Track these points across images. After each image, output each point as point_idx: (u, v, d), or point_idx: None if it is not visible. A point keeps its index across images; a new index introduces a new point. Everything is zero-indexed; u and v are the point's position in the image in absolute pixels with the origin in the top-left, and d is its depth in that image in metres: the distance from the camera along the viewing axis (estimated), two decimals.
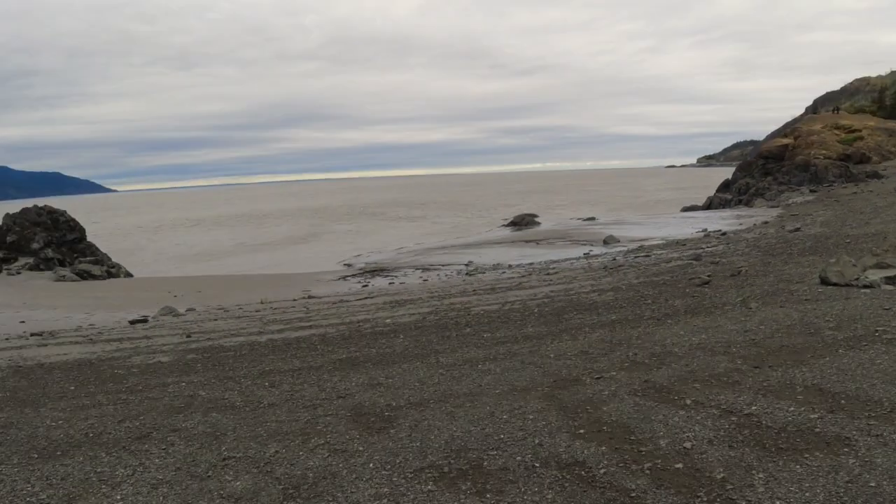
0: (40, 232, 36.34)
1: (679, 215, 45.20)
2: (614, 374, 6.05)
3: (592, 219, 47.95)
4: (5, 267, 32.48)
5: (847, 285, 9.31)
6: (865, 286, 8.97)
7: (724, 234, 27.47)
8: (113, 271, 34.87)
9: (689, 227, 34.01)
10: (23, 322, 15.78)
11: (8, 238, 35.91)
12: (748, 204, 44.52)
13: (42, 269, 33.09)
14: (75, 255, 36.49)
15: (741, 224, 32.44)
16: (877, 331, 6.64)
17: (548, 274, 17.11)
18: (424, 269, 25.41)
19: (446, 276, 21.68)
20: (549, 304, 10.81)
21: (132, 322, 14.72)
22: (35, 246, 35.25)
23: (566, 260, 23.20)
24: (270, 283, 23.89)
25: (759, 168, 48.35)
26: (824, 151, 43.46)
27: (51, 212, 37.81)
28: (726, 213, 41.19)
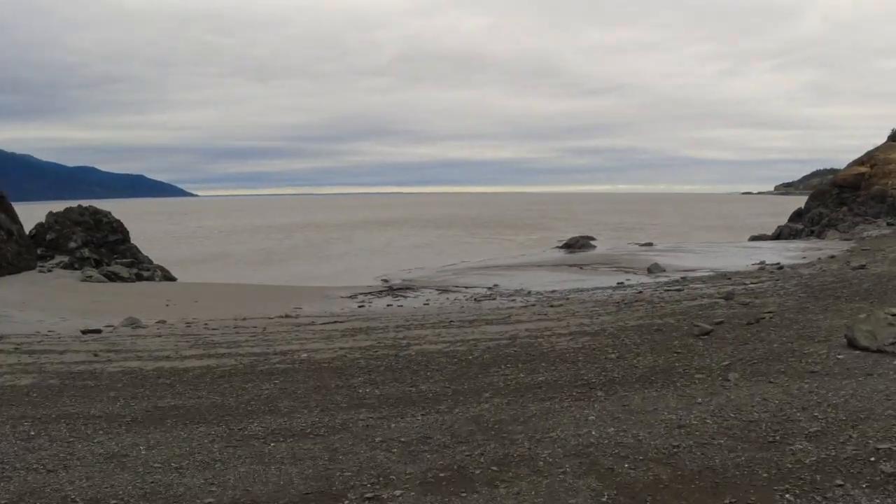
0: (79, 231, 36.30)
1: (744, 245, 42.26)
2: (404, 492, 4.23)
3: (650, 244, 45.51)
4: (39, 264, 32.42)
5: (879, 351, 7.14)
6: None
7: (780, 267, 24.85)
8: (146, 274, 34.39)
9: (748, 258, 31.27)
10: None
11: (48, 236, 36.01)
12: (819, 235, 41.15)
13: (76, 268, 32.87)
14: (115, 256, 36.34)
15: (804, 257, 29.62)
16: (884, 450, 4.35)
17: (551, 306, 15.20)
18: (443, 291, 23.76)
19: (455, 300, 19.97)
20: (496, 350, 9.01)
21: (84, 332, 13.71)
22: (72, 245, 35.18)
23: (594, 289, 21.12)
24: (279, 295, 22.73)
25: (834, 198, 44.76)
26: None
27: (94, 212, 37.86)
28: (794, 244, 38.05)
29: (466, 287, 24.77)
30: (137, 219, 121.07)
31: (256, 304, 20.05)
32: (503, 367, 7.79)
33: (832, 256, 28.18)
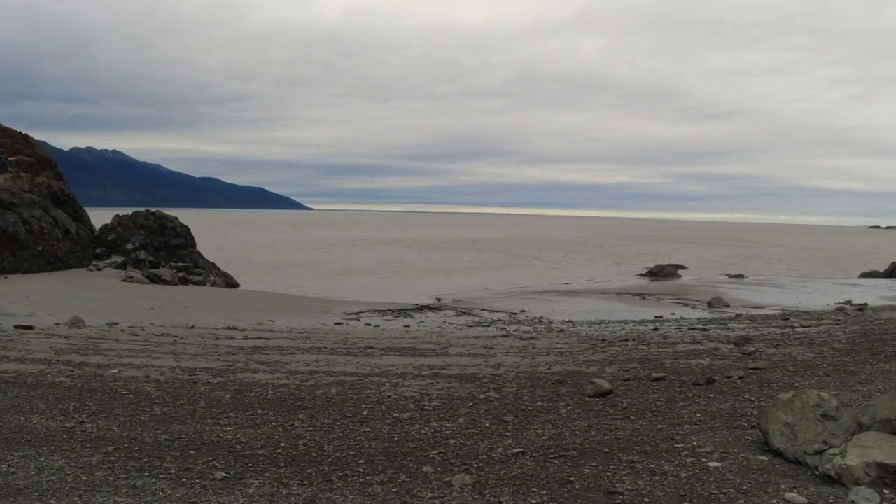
0: (139, 234, 36.53)
1: (847, 281, 37.67)
2: None
3: (741, 276, 41.62)
4: (93, 263, 32.72)
5: (796, 462, 4.57)
6: (829, 476, 4.24)
7: (860, 309, 21.14)
8: (195, 279, 34.09)
9: (838, 296, 27.36)
10: None
11: (109, 237, 36.45)
12: None
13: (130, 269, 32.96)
14: (175, 260, 36.39)
15: None
16: None
17: (521, 339, 12.81)
18: (463, 314, 21.86)
19: (455, 325, 17.91)
20: (325, 388, 6.90)
21: (16, 327, 13.44)
22: (129, 246, 35.37)
23: (628, 322, 18.48)
24: (285, 306, 21.44)
25: None
26: None
27: (160, 217, 38.20)
28: None
29: (493, 311, 22.64)
30: (252, 227, 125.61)
31: (247, 313, 18.81)
32: (259, 410, 5.72)
33: None
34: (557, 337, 13.47)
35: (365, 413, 6.20)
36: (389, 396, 6.94)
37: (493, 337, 13.44)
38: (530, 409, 6.25)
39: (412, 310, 22.87)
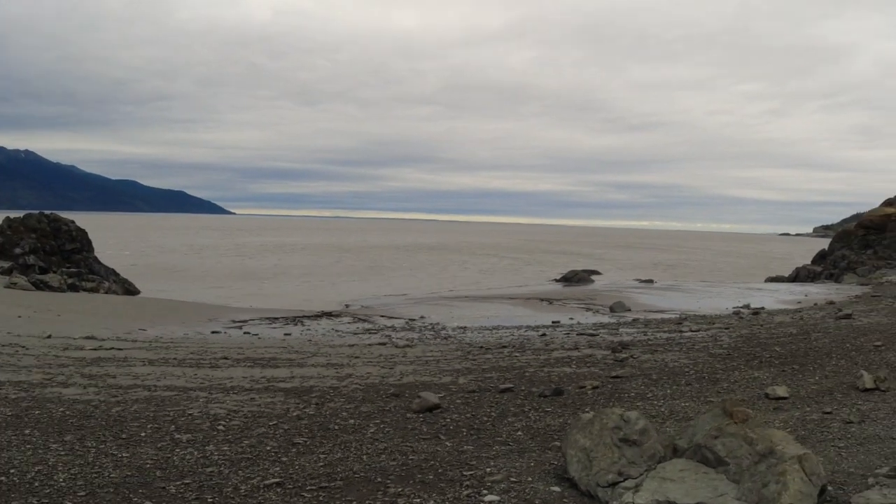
0: (30, 237, 34.29)
1: (751, 285, 38.49)
2: None
3: (651, 281, 42.12)
4: None
5: (588, 495, 3.95)
6: None
7: (755, 313, 21.37)
8: (89, 286, 32.19)
9: (739, 299, 27.71)
10: None
11: None
12: (837, 279, 37.07)
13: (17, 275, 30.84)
14: (68, 266, 34.27)
15: (800, 302, 26.04)
16: None
17: (397, 346, 12.10)
18: (360, 321, 20.95)
19: (340, 332, 17.02)
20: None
21: None
22: (18, 251, 33.14)
23: (521, 328, 18.03)
24: (168, 313, 20.14)
25: (859, 240, 40.57)
26: None
27: (54, 220, 35.97)
28: (802, 287, 34.14)
29: (393, 317, 21.95)
30: (171, 231, 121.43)
31: (122, 321, 17.58)
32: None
33: (831, 302, 24.59)
34: (437, 344, 12.83)
35: (143, 434, 5.40)
36: (191, 414, 6.14)
37: (370, 345, 12.69)
38: (335, 428, 5.56)
39: (308, 317, 21.90)
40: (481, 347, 11.93)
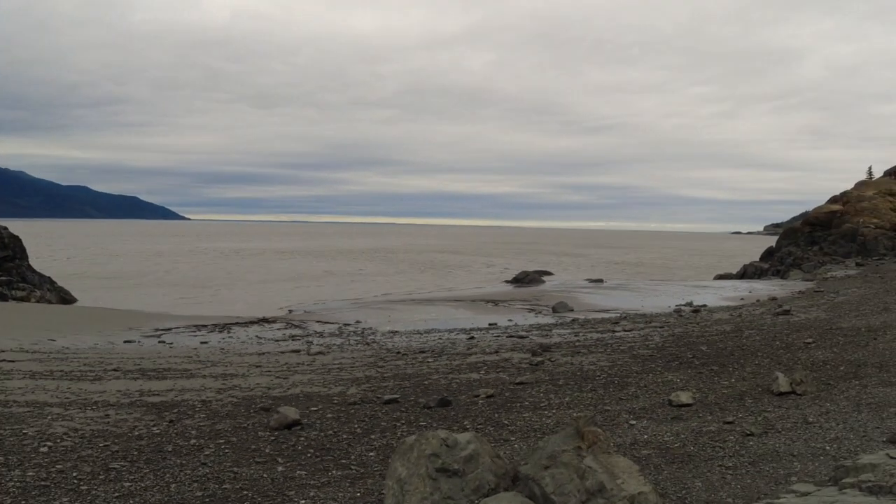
0: None
1: (698, 283, 38.58)
2: None
3: (601, 281, 41.95)
4: None
5: None
6: None
7: (696, 311, 21.16)
8: (19, 294, 30.89)
9: (683, 297, 27.51)
10: None
11: None
12: (783, 275, 37.33)
13: None
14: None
15: (743, 299, 25.97)
16: None
17: (320, 353, 11.47)
18: (292, 326, 20.21)
19: (257, 339, 16.32)
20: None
21: None
22: None
23: (454, 331, 17.50)
24: (86, 322, 19.18)
25: (805, 236, 40.96)
26: (875, 220, 35.80)
27: None
28: (747, 284, 34.22)
29: (328, 323, 21.23)
30: (122, 238, 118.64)
31: (34, 331, 16.67)
32: None
33: (773, 298, 24.58)
34: (354, 351, 12.21)
35: None
36: (25, 433, 5.48)
37: (281, 353, 12.03)
38: (169, 450, 4.94)
39: (240, 324, 21.06)
40: (398, 353, 11.35)
